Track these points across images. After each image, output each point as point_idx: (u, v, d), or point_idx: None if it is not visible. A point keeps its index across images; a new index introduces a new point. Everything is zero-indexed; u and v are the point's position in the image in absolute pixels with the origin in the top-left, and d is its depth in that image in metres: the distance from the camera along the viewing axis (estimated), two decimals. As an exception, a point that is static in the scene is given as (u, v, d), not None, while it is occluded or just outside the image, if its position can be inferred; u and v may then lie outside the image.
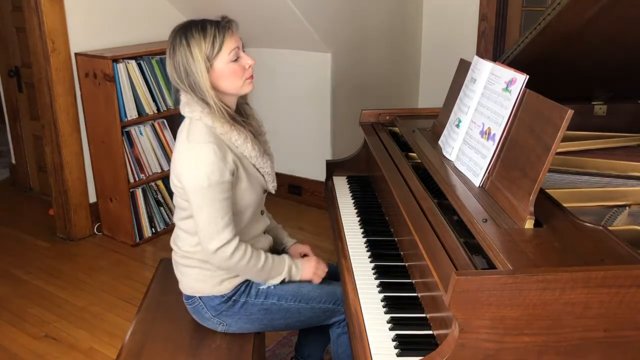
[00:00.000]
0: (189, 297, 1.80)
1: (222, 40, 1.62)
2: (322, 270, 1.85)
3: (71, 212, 3.45)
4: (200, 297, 1.77)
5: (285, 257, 1.81)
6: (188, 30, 1.63)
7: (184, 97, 1.70)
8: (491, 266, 1.25)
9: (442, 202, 1.60)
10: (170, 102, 3.50)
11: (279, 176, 1.87)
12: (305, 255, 1.96)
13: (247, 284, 1.78)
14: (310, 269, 1.82)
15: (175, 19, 3.74)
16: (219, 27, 1.64)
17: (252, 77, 1.70)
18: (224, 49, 1.63)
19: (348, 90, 3.78)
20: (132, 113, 3.29)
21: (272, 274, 1.76)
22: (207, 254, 1.67)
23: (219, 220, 1.63)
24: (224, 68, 1.64)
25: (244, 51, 1.70)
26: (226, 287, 1.75)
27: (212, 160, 1.60)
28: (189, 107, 1.67)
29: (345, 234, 1.90)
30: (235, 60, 1.66)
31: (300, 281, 1.82)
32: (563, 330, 1.12)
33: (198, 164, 1.60)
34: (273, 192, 1.85)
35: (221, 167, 1.61)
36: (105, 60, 3.14)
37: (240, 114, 1.75)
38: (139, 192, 3.42)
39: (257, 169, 1.76)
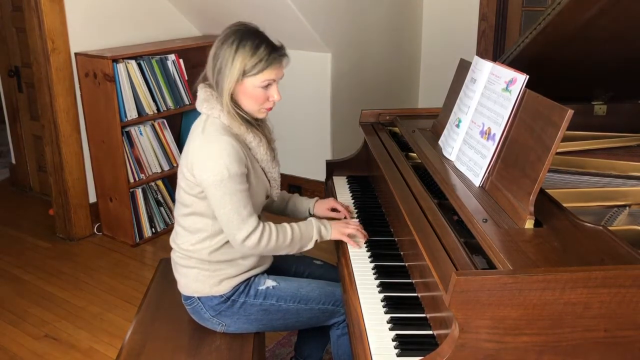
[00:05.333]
0: (188, 298, 1.79)
1: (264, 68, 1.65)
2: (354, 228, 1.81)
3: (71, 212, 3.45)
4: (199, 298, 1.77)
5: (312, 220, 1.81)
6: (244, 38, 1.65)
7: (202, 93, 1.73)
8: (491, 266, 1.25)
9: (442, 202, 1.60)
10: (170, 102, 3.50)
11: (279, 176, 1.89)
12: (334, 210, 1.97)
13: (247, 284, 1.78)
14: (338, 229, 1.81)
15: (175, 19, 3.78)
16: (271, 54, 1.66)
17: (270, 109, 1.74)
18: (261, 75, 1.66)
19: (348, 90, 3.78)
20: (132, 113, 3.29)
21: (303, 242, 1.77)
22: (236, 245, 1.69)
23: (242, 210, 1.65)
24: (250, 89, 1.68)
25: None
26: (225, 288, 1.75)
27: (229, 151, 1.62)
28: (208, 104, 1.70)
29: (345, 234, 1.89)
30: (265, 87, 1.68)
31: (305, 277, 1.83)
32: (563, 330, 1.12)
33: (217, 157, 1.62)
34: (275, 199, 1.89)
35: (238, 158, 1.63)
36: (105, 60, 3.14)
37: (255, 119, 1.77)
38: (139, 192, 3.42)
39: (265, 174, 1.79)
